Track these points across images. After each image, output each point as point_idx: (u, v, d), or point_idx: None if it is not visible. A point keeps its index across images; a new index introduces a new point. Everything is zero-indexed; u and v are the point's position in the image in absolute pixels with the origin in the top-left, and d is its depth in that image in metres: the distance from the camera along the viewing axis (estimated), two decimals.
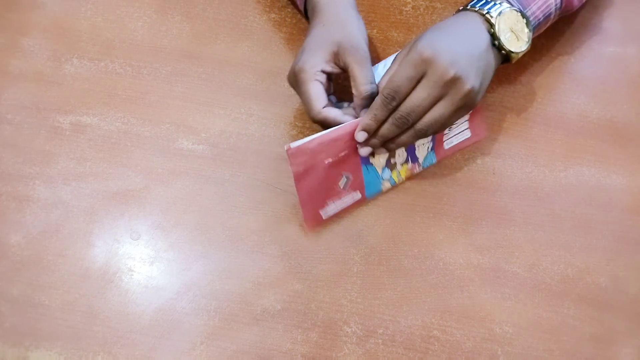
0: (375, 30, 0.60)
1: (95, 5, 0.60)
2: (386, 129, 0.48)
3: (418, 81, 0.46)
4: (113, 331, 0.48)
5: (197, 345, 0.48)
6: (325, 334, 0.49)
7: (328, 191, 0.50)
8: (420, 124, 0.47)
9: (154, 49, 0.58)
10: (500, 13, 0.49)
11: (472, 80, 0.46)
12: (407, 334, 0.49)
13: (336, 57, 0.50)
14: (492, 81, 0.50)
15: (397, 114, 0.47)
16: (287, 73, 0.52)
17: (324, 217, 0.51)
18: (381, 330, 0.49)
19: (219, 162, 0.54)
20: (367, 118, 0.48)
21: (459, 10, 0.52)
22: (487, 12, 0.49)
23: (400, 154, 0.52)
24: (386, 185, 0.53)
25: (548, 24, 0.54)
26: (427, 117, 0.47)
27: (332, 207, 0.51)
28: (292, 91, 0.57)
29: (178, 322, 0.49)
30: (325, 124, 0.49)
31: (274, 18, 0.60)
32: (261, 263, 0.51)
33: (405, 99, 0.47)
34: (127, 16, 0.60)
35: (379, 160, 0.52)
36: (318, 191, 0.50)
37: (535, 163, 0.56)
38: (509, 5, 0.50)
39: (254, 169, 0.54)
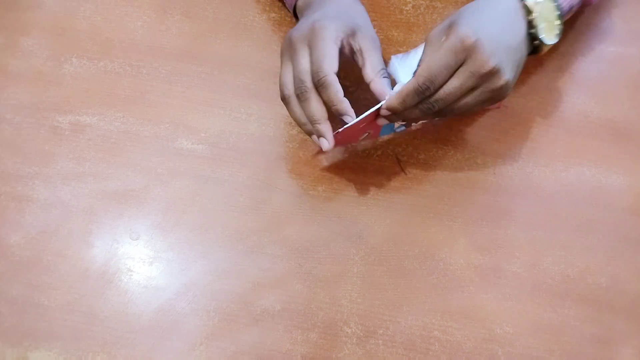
0: (375, 30, 0.60)
1: (95, 5, 0.60)
2: (410, 113, 0.46)
3: (455, 69, 0.43)
4: (112, 331, 0.48)
5: (196, 345, 0.48)
6: (325, 335, 0.49)
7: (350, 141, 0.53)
8: (445, 111, 0.45)
9: (154, 49, 0.58)
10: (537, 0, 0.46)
11: (508, 73, 0.44)
12: (408, 334, 0.49)
13: (351, 37, 0.47)
14: None
15: (426, 104, 0.45)
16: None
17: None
18: (381, 331, 0.49)
19: (219, 161, 0.54)
20: (395, 102, 0.45)
21: None
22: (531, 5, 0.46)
23: None
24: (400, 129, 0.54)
25: (567, 17, 0.53)
26: (454, 105, 0.45)
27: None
28: None
29: (177, 322, 0.49)
30: (326, 88, 0.46)
31: (274, 18, 0.60)
32: (261, 263, 0.51)
33: (439, 88, 0.44)
34: (126, 16, 0.59)
35: None
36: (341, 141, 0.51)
37: (536, 163, 0.56)
38: None
39: (254, 169, 0.54)
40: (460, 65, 0.43)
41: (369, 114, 0.48)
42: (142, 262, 0.51)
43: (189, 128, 0.55)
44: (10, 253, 0.50)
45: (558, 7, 0.48)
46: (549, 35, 0.48)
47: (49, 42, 0.58)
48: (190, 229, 0.52)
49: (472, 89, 0.44)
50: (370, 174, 0.54)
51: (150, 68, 0.57)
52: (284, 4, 0.59)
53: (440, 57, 0.43)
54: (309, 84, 0.47)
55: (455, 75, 0.44)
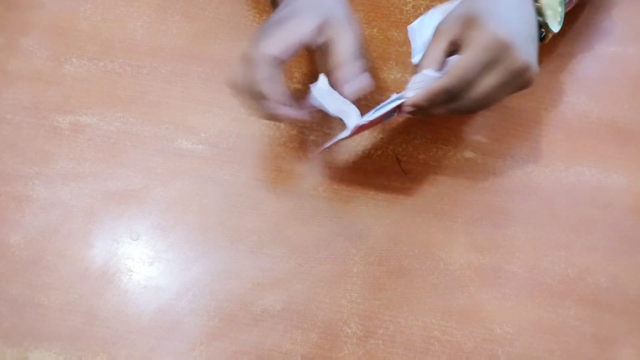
0: (375, 30, 0.60)
1: (95, 5, 0.60)
2: (435, 110, 0.45)
3: (488, 67, 0.42)
4: (112, 331, 0.48)
5: (196, 345, 0.48)
6: (325, 335, 0.49)
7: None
8: (471, 108, 0.44)
9: (154, 49, 0.58)
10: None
11: (534, 64, 0.42)
12: (408, 334, 0.49)
13: (321, 30, 0.44)
14: None
15: (455, 103, 0.43)
16: (286, 72, 0.50)
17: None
18: (381, 331, 0.49)
19: (219, 162, 0.54)
20: (423, 99, 0.44)
21: None
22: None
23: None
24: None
25: (568, 8, 0.52)
26: (482, 102, 0.43)
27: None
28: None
29: (177, 322, 0.49)
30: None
31: None
32: (261, 263, 0.51)
33: (472, 87, 0.42)
34: (126, 16, 0.59)
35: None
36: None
37: (536, 163, 0.56)
38: None
39: (254, 169, 0.54)
40: (494, 62, 0.42)
41: (389, 110, 0.46)
42: (142, 262, 0.51)
43: (189, 128, 0.55)
44: (10, 253, 0.50)
45: None
46: (553, 23, 0.47)
47: (49, 42, 0.58)
48: (190, 229, 0.52)
49: (505, 84, 0.43)
50: (370, 174, 0.54)
51: (150, 68, 0.57)
52: None
53: (475, 56, 0.41)
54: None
55: (492, 74, 0.42)
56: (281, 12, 0.46)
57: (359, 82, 0.44)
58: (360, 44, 0.45)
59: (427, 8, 0.62)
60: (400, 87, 0.57)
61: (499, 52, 0.41)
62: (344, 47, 0.44)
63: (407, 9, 0.62)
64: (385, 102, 0.47)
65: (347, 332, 0.49)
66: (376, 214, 0.53)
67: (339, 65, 0.44)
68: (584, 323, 0.50)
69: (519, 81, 0.43)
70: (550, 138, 0.57)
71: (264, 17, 0.60)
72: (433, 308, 0.50)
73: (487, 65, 0.42)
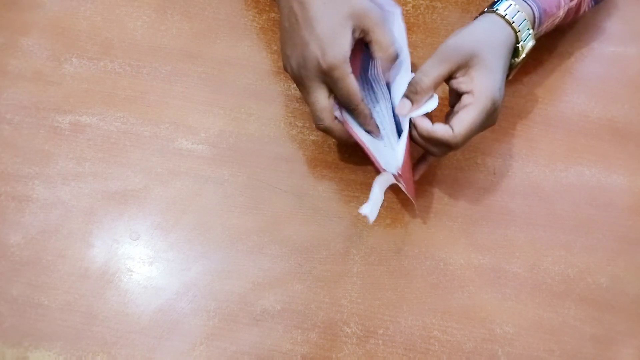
0: None
1: (95, 5, 0.60)
2: (428, 148, 0.49)
3: None
4: (112, 331, 0.48)
5: (196, 345, 0.48)
6: (325, 335, 0.49)
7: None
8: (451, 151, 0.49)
9: (154, 49, 0.58)
10: (528, 35, 0.50)
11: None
12: (408, 334, 0.49)
13: (354, 32, 0.46)
14: None
15: (445, 149, 0.48)
16: (287, 73, 0.51)
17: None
18: (381, 331, 0.49)
19: (219, 162, 0.54)
20: (421, 139, 0.48)
21: (497, 12, 0.50)
22: (521, 36, 0.49)
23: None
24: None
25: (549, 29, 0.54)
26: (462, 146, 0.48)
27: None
28: (292, 91, 0.57)
29: (177, 322, 0.49)
30: (357, 117, 0.49)
31: (274, 18, 0.60)
32: (261, 263, 0.51)
33: None
34: (126, 15, 0.59)
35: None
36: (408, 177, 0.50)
37: (536, 163, 0.56)
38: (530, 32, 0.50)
39: (254, 169, 0.54)
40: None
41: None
42: (142, 262, 0.51)
43: (189, 128, 0.55)
44: (10, 253, 0.50)
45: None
46: (517, 61, 0.52)
47: (49, 42, 0.58)
48: (190, 229, 0.52)
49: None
50: (371, 174, 0.54)
51: (150, 68, 0.57)
52: None
53: (480, 120, 0.46)
54: (327, 121, 0.48)
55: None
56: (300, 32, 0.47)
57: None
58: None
59: (427, 8, 0.62)
60: None
61: (493, 112, 0.47)
62: (385, 41, 0.47)
63: (407, 9, 0.62)
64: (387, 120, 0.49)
65: (347, 332, 0.49)
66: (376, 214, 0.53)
67: (385, 59, 0.48)
68: (584, 323, 0.51)
69: (491, 122, 0.49)
70: (550, 138, 0.57)
71: (264, 17, 0.60)
72: (433, 308, 0.50)
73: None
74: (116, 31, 0.59)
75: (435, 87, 0.48)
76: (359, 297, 0.50)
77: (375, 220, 0.53)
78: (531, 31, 0.50)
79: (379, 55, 0.48)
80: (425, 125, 0.47)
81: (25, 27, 0.58)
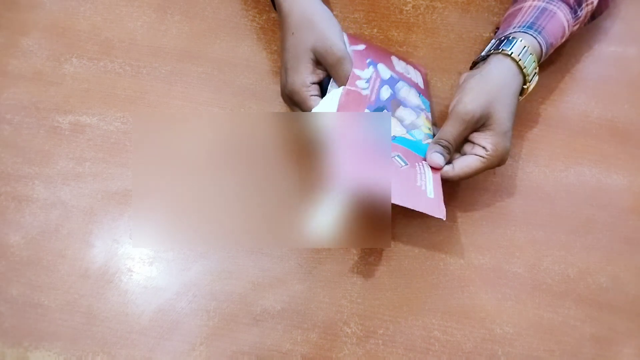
0: (375, 30, 0.60)
1: (95, 5, 0.60)
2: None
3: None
4: (112, 331, 0.48)
5: (196, 345, 0.48)
6: (325, 335, 0.49)
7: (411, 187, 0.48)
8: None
9: (154, 49, 0.58)
10: (534, 74, 0.51)
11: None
12: (408, 334, 0.49)
13: (317, 63, 0.51)
14: None
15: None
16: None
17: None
18: (381, 331, 0.49)
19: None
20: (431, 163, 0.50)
21: (504, 53, 0.51)
22: (529, 79, 0.51)
23: (407, 116, 0.53)
24: (427, 140, 0.52)
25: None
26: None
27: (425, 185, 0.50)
28: None
29: (177, 322, 0.49)
30: None
31: (274, 18, 0.60)
32: (261, 263, 0.51)
33: None
34: (126, 16, 0.59)
35: (401, 128, 0.52)
36: (407, 192, 0.47)
37: (536, 163, 0.56)
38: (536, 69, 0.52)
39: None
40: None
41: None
42: (142, 262, 0.51)
43: None
44: (10, 253, 0.50)
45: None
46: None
47: (49, 42, 0.58)
48: None
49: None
50: None
51: (150, 68, 0.57)
52: None
53: (489, 164, 0.49)
54: None
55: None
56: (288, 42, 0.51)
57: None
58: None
59: (427, 8, 0.62)
60: None
61: (503, 160, 0.50)
62: (341, 81, 0.50)
63: (407, 9, 0.62)
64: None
65: (347, 332, 0.49)
66: None
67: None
68: (584, 323, 0.50)
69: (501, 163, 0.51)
70: (550, 138, 0.57)
71: (264, 17, 0.60)
72: (433, 308, 0.50)
73: None
74: (116, 31, 0.59)
75: (457, 147, 0.51)
76: (359, 297, 0.50)
77: None
78: (537, 70, 0.52)
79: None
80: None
81: (25, 27, 0.58)
